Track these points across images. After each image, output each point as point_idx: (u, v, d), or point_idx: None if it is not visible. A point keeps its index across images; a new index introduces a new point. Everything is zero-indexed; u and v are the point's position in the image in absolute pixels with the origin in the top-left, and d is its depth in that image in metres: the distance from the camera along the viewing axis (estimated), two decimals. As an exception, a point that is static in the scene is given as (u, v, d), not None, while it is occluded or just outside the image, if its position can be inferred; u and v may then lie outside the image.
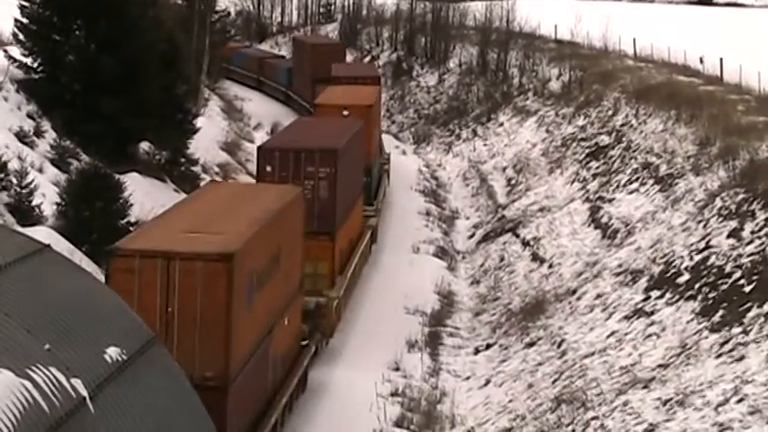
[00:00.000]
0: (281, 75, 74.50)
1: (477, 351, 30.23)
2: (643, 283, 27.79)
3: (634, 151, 39.88)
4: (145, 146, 41.83)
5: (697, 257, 26.60)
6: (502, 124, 59.88)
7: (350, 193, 34.90)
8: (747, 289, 23.14)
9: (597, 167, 41.99)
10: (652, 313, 25.58)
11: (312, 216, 29.36)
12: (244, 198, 24.57)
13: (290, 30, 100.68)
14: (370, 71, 62.79)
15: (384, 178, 49.49)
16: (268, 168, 31.14)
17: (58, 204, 30.63)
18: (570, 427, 21.57)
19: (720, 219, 27.56)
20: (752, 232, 25.52)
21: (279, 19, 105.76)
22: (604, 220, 35.64)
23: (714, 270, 25.22)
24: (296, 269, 25.56)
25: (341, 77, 53.99)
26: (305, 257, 26.81)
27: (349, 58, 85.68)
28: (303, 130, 37.58)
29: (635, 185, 36.52)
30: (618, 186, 37.83)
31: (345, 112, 41.08)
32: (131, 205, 31.60)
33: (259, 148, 32.97)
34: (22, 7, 39.51)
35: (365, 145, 40.48)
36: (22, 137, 34.46)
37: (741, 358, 20.24)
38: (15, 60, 39.19)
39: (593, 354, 25.25)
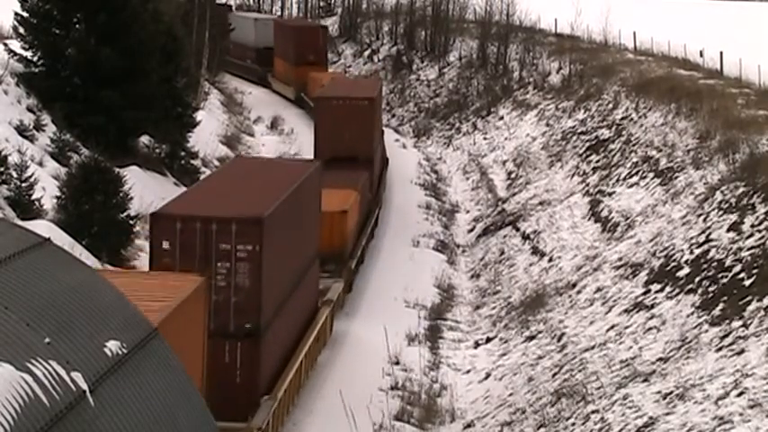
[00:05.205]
0: None
1: (477, 345, 30.23)
2: (643, 276, 27.78)
3: (634, 145, 39.84)
4: (145, 139, 41.80)
5: (697, 251, 26.59)
6: (502, 118, 59.83)
7: None
8: (747, 282, 23.14)
9: (597, 161, 41.95)
10: (652, 307, 25.57)
11: None
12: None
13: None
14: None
15: (385, 171, 49.68)
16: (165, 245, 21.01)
17: (58, 198, 30.61)
18: (570, 421, 21.57)
19: (720, 212, 27.55)
20: (752, 226, 25.50)
21: (279, 13, 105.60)
22: (604, 213, 35.62)
23: (714, 263, 25.21)
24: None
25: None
26: None
27: (348, 52, 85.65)
28: None
29: (635, 179, 36.49)
30: (618, 180, 37.80)
31: None
32: (131, 198, 31.59)
33: (152, 215, 22.26)
34: (22, 1, 39.48)
35: None
36: (22, 130, 34.43)
37: (741, 352, 20.23)
38: (15, 54, 39.15)
39: (593, 347, 25.25)
